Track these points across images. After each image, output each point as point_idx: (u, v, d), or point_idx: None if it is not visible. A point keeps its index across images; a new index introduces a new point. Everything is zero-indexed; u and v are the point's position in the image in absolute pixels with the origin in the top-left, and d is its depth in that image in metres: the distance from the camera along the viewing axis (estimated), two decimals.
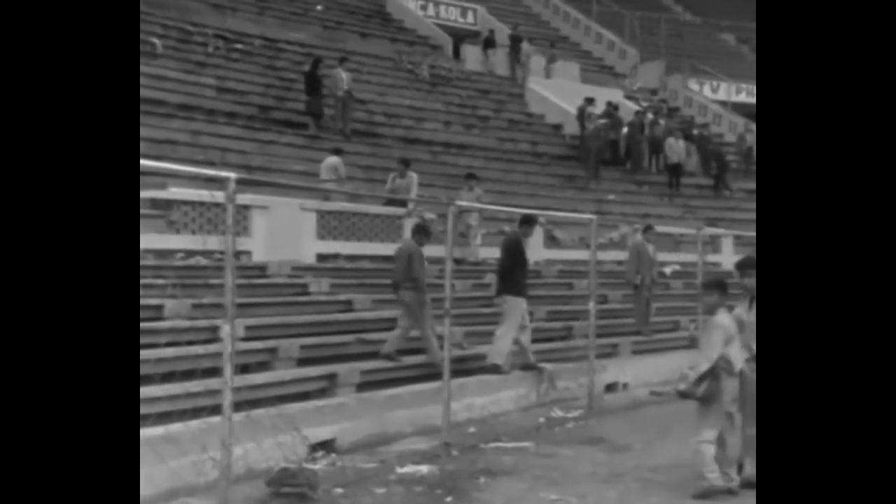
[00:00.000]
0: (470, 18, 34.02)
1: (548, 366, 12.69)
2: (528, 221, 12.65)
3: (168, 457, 7.20)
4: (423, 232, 11.97)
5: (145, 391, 7.98)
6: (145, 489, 6.94)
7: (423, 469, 8.47)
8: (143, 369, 8.19)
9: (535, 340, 12.73)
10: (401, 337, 11.41)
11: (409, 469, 8.47)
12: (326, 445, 9.08)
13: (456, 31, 32.65)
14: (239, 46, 23.36)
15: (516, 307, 12.12)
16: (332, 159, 17.31)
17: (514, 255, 12.24)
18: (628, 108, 28.11)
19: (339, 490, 7.69)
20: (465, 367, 11.68)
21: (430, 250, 12.03)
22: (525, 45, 30.67)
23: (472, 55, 30.68)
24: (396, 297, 11.69)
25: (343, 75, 21.34)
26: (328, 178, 17.04)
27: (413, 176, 17.10)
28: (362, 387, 10.45)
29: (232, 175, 6.91)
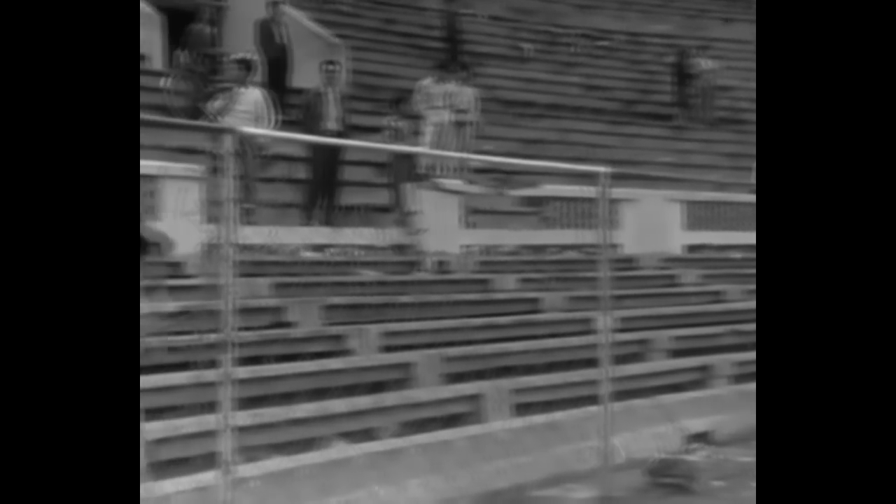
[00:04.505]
0: None
1: None
2: None
3: (552, 443, 7.55)
4: None
5: (528, 380, 8.42)
6: (532, 474, 7.37)
7: None
8: (525, 360, 8.66)
9: None
10: None
11: None
12: (702, 437, 9.06)
13: None
14: (603, 43, 23.66)
15: None
16: None
17: None
18: None
19: (718, 483, 7.66)
20: None
21: None
22: None
23: None
24: None
25: (707, 63, 21.08)
26: None
27: None
28: (738, 378, 10.29)
29: (605, 170, 7.10)
